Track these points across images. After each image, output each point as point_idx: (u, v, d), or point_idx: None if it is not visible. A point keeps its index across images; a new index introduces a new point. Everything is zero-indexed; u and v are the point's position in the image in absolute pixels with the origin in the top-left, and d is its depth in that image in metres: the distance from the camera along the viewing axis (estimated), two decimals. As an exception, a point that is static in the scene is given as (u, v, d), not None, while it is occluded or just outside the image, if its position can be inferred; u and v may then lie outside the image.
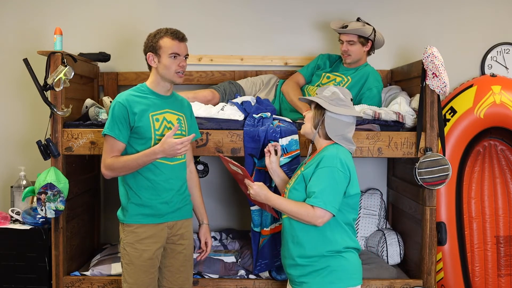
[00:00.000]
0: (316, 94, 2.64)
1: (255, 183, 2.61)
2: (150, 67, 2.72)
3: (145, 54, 2.70)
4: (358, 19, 3.48)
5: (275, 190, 2.83)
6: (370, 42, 3.47)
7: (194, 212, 2.91)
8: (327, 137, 2.57)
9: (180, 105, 2.81)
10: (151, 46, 2.67)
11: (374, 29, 3.45)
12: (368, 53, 3.53)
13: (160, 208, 2.68)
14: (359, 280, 2.54)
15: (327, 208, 2.41)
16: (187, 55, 2.71)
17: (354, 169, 2.54)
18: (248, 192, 2.64)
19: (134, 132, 2.65)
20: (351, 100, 2.62)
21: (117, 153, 2.65)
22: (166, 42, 2.64)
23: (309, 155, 2.68)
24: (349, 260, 2.50)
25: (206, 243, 2.94)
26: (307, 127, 2.63)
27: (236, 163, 2.66)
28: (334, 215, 2.45)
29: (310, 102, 2.66)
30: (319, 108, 2.58)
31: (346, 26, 3.45)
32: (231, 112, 3.19)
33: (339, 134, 2.55)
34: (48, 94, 3.06)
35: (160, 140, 2.62)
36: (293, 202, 2.50)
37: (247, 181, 2.62)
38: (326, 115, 2.55)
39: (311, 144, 2.65)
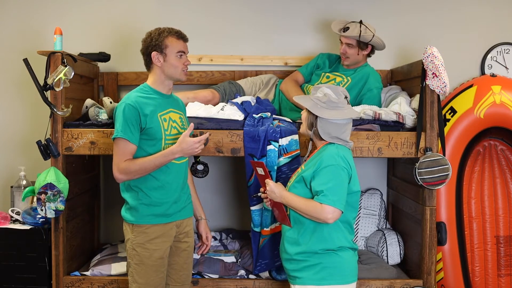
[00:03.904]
0: (311, 93, 2.64)
1: (272, 181, 2.61)
2: (148, 67, 2.72)
3: (146, 53, 2.69)
4: (361, 22, 3.45)
5: None
6: (370, 46, 3.46)
7: None
8: (322, 138, 2.58)
9: (178, 104, 2.84)
10: (156, 45, 2.65)
11: (374, 34, 3.42)
12: (368, 55, 3.53)
13: (170, 207, 2.70)
14: (353, 277, 2.55)
15: (336, 205, 2.43)
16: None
17: (354, 166, 2.56)
18: (265, 190, 2.65)
19: (144, 134, 2.63)
20: (345, 98, 2.61)
21: (129, 156, 2.61)
22: (173, 42, 2.66)
23: (309, 153, 2.69)
24: (343, 258, 2.52)
25: (207, 238, 2.97)
26: (303, 128, 2.66)
27: (259, 162, 2.71)
28: (342, 212, 2.46)
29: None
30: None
31: (347, 28, 3.43)
32: (231, 112, 3.18)
33: (333, 136, 2.56)
34: (48, 94, 3.06)
35: (170, 140, 2.64)
36: (303, 200, 2.50)
37: (266, 180, 2.61)
38: (318, 118, 2.55)
39: (310, 142, 2.67)
